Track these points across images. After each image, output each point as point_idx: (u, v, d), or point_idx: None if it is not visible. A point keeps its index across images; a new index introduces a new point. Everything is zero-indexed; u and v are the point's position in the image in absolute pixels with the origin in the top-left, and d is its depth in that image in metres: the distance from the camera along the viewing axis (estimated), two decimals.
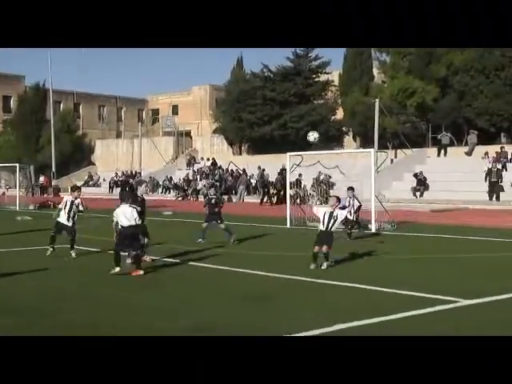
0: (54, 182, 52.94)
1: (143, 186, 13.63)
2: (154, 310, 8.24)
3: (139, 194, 12.59)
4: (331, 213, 11.51)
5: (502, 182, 28.91)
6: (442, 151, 38.73)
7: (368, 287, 9.72)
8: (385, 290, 9.52)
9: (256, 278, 10.89)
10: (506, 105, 40.23)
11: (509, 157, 33.55)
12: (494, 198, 28.14)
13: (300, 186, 28.75)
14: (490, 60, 40.50)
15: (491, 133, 41.55)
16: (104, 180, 54.18)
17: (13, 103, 66.58)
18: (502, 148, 34.28)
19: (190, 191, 43.52)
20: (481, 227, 20.00)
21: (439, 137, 39.75)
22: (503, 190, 28.56)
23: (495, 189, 28.45)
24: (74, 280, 10.65)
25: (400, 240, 17.23)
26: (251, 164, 44.19)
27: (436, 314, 7.96)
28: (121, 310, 8.27)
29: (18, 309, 8.34)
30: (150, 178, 48.39)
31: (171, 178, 48.11)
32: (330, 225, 11.51)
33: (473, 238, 16.86)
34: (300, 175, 27.67)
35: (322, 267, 11.24)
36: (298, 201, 24.78)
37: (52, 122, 54.56)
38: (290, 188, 24.26)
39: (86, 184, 55.47)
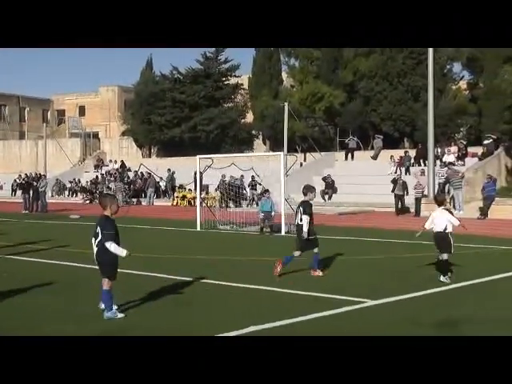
0: None
1: (313, 192, 11.79)
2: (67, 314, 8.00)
3: (309, 200, 11.38)
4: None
5: (407, 194, 27.97)
6: (350, 155, 39.72)
7: (277, 289, 9.80)
8: (294, 291, 9.62)
9: (170, 282, 10.74)
10: (409, 110, 41.83)
11: (412, 161, 34.82)
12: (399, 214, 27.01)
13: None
14: (393, 67, 41.99)
15: (395, 137, 43.06)
16: (5, 183, 52.05)
17: None
18: (405, 152, 35.55)
19: (97, 194, 42.62)
20: (386, 229, 20.63)
21: (346, 141, 40.77)
22: (408, 211, 27.47)
23: (401, 206, 27.41)
24: None
25: None
26: (161, 167, 43.76)
27: (343, 315, 8.10)
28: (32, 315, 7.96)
29: None
30: (57, 180, 47.03)
31: (79, 180, 46.93)
32: None
33: (378, 240, 17.35)
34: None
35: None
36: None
37: None
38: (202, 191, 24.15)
39: None
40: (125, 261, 8.07)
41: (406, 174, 33.10)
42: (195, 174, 34.34)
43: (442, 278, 10.37)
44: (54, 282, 10.56)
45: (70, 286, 10.34)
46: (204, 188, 33.04)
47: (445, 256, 10.55)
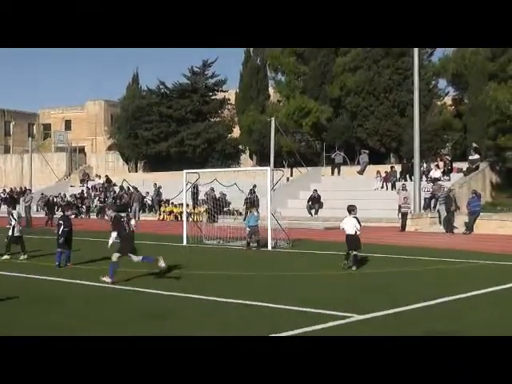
0: None
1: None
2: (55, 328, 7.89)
3: None
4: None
5: (456, 209, 25.86)
6: (336, 170, 39.80)
7: (263, 304, 9.74)
8: (280, 306, 9.57)
9: (153, 296, 10.66)
10: (395, 126, 42.04)
11: (397, 176, 34.93)
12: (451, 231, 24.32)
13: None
14: (379, 82, 42.22)
15: (381, 153, 43.20)
16: None
17: None
18: (392, 168, 35.67)
19: (84, 209, 42.45)
20: (372, 244, 20.61)
21: (333, 156, 40.85)
22: (455, 227, 24.55)
23: (450, 220, 24.94)
24: None
25: (295, 257, 17.46)
26: (147, 181, 43.61)
27: (329, 330, 8.05)
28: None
29: None
30: (42, 194, 46.73)
31: (65, 194, 46.67)
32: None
33: (364, 255, 17.32)
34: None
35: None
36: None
37: None
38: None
39: None
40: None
41: (392, 189, 33.18)
42: (193, 187, 34.22)
43: (354, 268, 13.48)
44: (38, 295, 10.45)
45: (55, 299, 10.24)
46: (200, 203, 32.78)
47: (354, 252, 13.60)
